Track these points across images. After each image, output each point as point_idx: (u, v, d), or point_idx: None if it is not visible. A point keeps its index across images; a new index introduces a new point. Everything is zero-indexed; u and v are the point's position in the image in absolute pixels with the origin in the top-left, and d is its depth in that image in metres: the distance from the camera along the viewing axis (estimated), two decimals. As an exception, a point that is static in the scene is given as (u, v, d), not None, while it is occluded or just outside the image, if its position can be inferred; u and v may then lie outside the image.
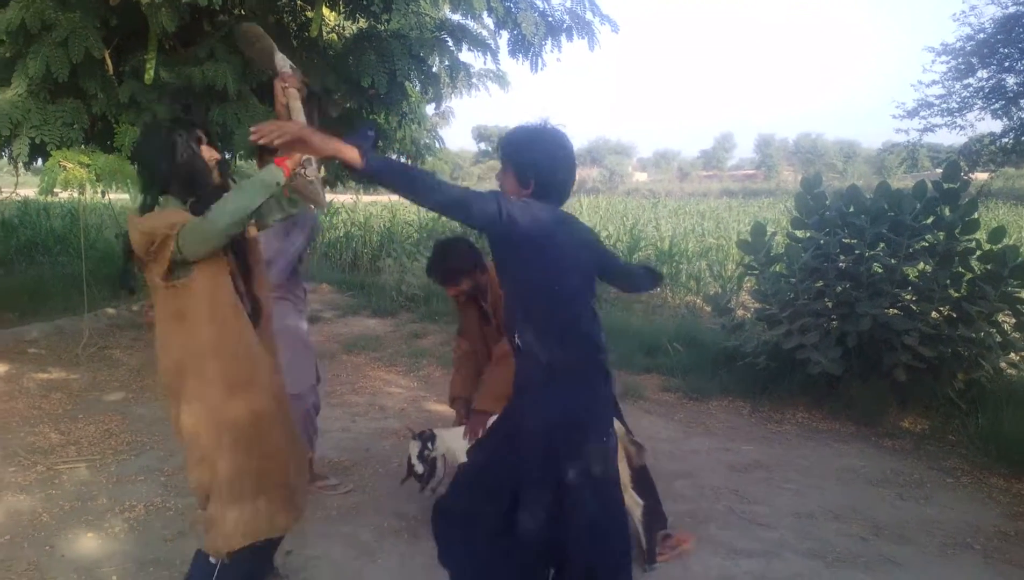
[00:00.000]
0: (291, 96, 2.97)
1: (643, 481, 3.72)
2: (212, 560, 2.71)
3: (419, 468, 3.57)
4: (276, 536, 2.89)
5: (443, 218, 16.27)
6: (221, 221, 2.47)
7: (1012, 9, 12.36)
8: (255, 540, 2.73)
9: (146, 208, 2.69)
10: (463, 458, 3.68)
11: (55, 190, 5.66)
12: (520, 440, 2.70)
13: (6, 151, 6.39)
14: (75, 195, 6.40)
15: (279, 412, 2.83)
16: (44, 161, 6.17)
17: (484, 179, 67.09)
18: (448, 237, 4.30)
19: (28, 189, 13.77)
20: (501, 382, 3.49)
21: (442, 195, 2.45)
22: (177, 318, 2.64)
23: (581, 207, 22.89)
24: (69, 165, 5.60)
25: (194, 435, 2.67)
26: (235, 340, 2.67)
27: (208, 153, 2.74)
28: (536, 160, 2.65)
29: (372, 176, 2.41)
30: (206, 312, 2.62)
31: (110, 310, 9.12)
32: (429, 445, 3.62)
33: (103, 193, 6.67)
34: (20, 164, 6.50)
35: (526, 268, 2.63)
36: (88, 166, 5.67)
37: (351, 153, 2.31)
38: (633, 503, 3.61)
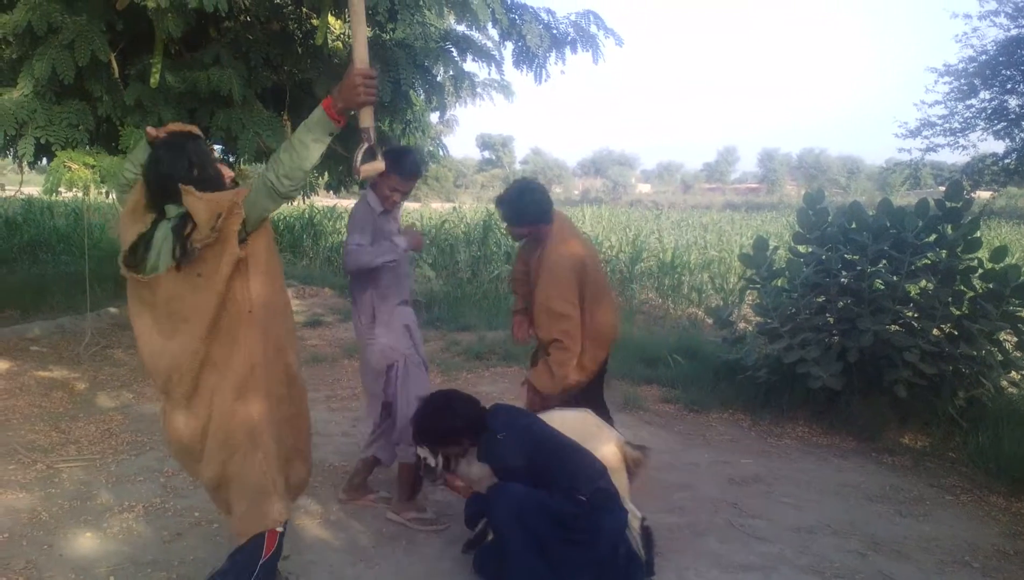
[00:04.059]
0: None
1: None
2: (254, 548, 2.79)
3: (432, 461, 3.54)
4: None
5: (446, 225, 16.35)
6: (283, 182, 2.58)
7: (1014, 32, 12.41)
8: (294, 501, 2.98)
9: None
10: None
11: (59, 190, 5.68)
12: None
13: (11, 150, 6.40)
14: (79, 195, 6.42)
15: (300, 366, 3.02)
16: (49, 161, 6.18)
17: (487, 186, 67.24)
18: (527, 182, 4.31)
19: (32, 188, 13.78)
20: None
21: None
22: (237, 281, 2.69)
23: (584, 217, 22.95)
24: (74, 166, 5.61)
25: (247, 403, 2.73)
26: (284, 297, 2.90)
27: (225, 171, 2.87)
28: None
29: None
30: (261, 268, 2.73)
31: (112, 309, 9.13)
32: None
33: (107, 193, 6.69)
34: (25, 163, 6.52)
35: None
36: (93, 167, 5.69)
37: None
38: (632, 515, 3.61)
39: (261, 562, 2.78)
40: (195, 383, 2.72)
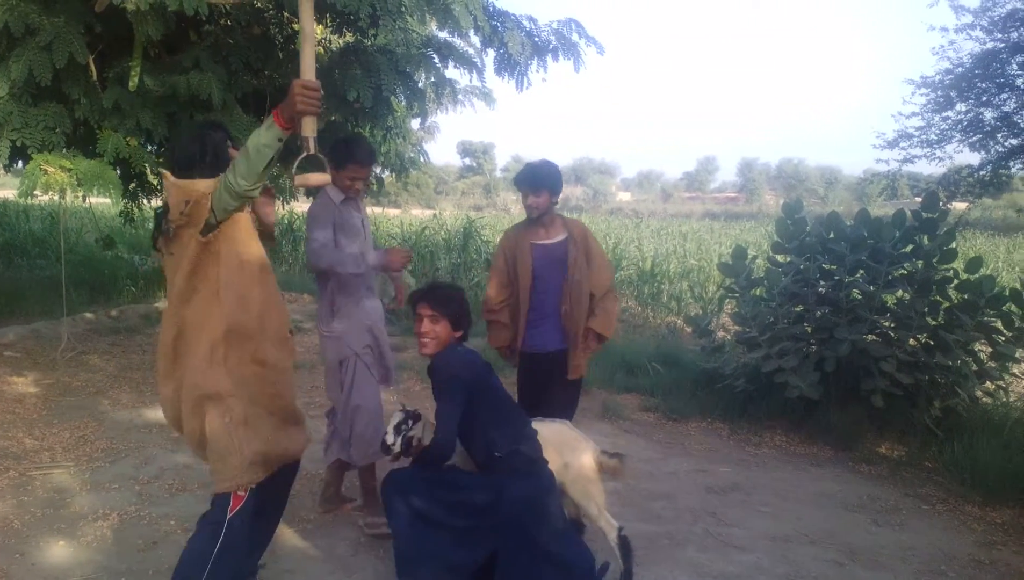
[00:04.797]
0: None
1: None
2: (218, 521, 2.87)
3: (390, 439, 3.53)
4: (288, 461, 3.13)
5: (426, 232, 16.32)
6: (240, 183, 2.67)
7: (990, 45, 12.58)
8: (269, 471, 2.97)
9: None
10: None
11: (35, 193, 5.61)
12: None
13: (-14, 153, 6.32)
14: (55, 198, 6.36)
15: (287, 359, 3.10)
16: (25, 163, 6.11)
17: (467, 193, 67.21)
18: (543, 159, 4.53)
19: (7, 190, 13.61)
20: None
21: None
22: (209, 267, 2.84)
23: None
24: (50, 169, 5.55)
25: (209, 377, 2.84)
26: (258, 283, 2.93)
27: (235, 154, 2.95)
28: None
29: None
30: (235, 259, 2.86)
31: (88, 314, 9.04)
32: (408, 422, 3.59)
33: (84, 197, 6.62)
34: (0, 166, 6.44)
35: None
36: (69, 170, 5.63)
37: None
38: (608, 525, 3.60)
39: (228, 517, 2.86)
40: (174, 353, 2.92)
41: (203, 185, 2.78)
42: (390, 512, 3.28)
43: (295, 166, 2.77)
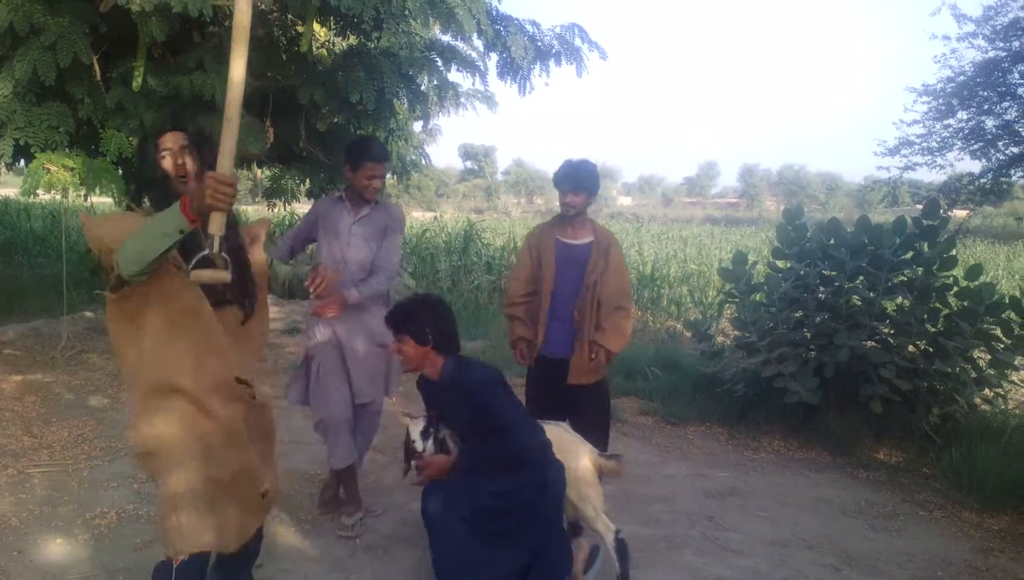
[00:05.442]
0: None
1: None
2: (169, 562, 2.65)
3: (419, 446, 3.42)
4: (239, 545, 2.80)
5: (427, 234, 16.32)
6: (125, 266, 2.39)
7: (991, 53, 12.57)
8: (218, 549, 2.70)
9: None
10: None
11: (38, 192, 5.63)
12: None
13: (-11, 151, 6.33)
14: (56, 197, 6.37)
15: (237, 410, 2.73)
16: (27, 162, 6.12)
17: (468, 196, 67.26)
18: (580, 158, 4.56)
19: (9, 189, 13.60)
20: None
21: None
22: (126, 322, 2.62)
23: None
24: (53, 168, 5.57)
25: (143, 432, 2.62)
26: (187, 334, 2.61)
27: (172, 162, 2.68)
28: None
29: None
30: (159, 311, 2.58)
31: (88, 313, 9.05)
32: (435, 424, 3.53)
33: (85, 196, 6.64)
34: (2, 164, 6.45)
35: None
36: (72, 169, 5.65)
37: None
38: (605, 528, 3.61)
39: (175, 567, 2.64)
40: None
41: (109, 238, 2.46)
42: (427, 519, 3.23)
43: (192, 263, 2.40)
